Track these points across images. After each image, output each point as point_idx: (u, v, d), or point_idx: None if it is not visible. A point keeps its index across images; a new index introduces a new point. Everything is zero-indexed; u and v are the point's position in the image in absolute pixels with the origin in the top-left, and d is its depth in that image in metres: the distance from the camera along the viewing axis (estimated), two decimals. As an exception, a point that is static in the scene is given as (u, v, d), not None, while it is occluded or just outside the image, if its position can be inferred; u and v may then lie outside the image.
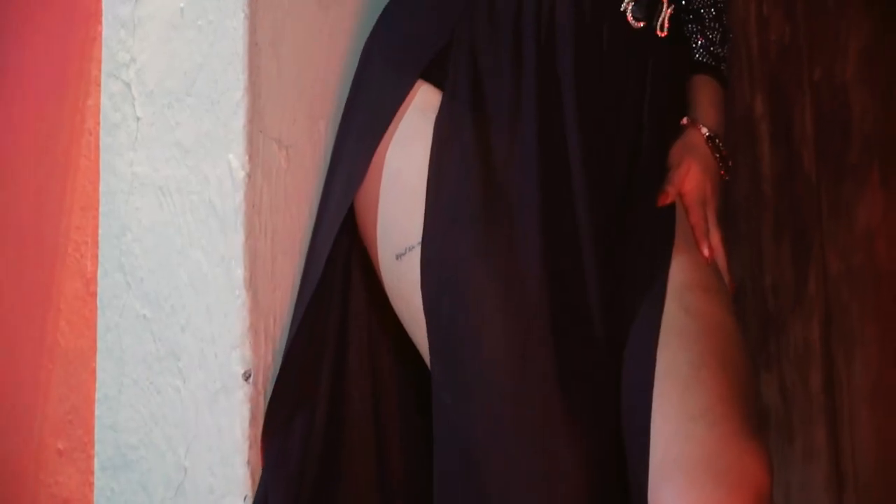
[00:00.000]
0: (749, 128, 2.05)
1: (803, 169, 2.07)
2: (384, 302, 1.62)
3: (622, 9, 1.63)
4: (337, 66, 1.81)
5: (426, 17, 1.63)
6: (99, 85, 1.98)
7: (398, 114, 1.58)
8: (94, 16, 2.00)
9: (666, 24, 1.67)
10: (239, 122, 1.69)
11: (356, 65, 1.76)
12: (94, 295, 1.89)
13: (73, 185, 2.03)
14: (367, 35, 1.78)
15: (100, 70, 1.98)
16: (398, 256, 1.55)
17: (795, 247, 2.07)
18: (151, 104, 1.84)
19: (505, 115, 1.55)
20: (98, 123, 1.97)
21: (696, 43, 1.83)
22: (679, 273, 1.57)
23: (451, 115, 1.54)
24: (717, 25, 1.84)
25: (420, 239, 1.52)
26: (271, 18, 1.72)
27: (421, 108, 1.57)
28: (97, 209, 1.97)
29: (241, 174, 1.68)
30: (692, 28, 1.84)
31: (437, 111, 1.55)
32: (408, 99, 1.58)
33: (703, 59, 1.81)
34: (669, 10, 1.67)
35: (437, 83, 1.58)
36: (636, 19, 1.64)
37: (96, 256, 1.95)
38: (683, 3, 1.80)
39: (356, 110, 1.65)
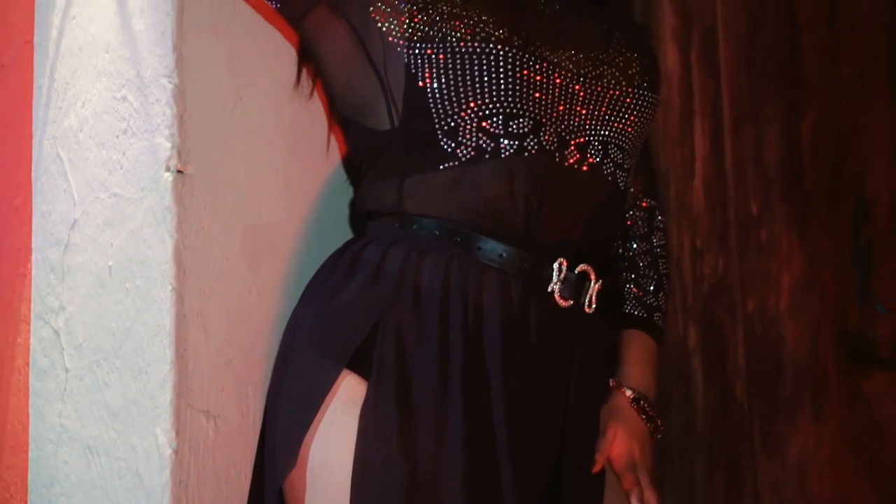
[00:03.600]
0: (683, 360, 2.06)
1: (736, 401, 2.08)
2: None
3: (550, 289, 1.64)
4: (266, 326, 1.81)
5: (352, 300, 1.62)
6: (29, 324, 1.97)
7: (323, 405, 1.57)
8: (24, 252, 2.00)
9: (594, 301, 1.68)
10: (166, 396, 1.68)
11: (285, 323, 1.75)
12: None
13: (3, 422, 2.01)
14: (297, 290, 1.77)
15: (29, 310, 1.97)
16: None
17: (728, 481, 2.07)
18: (80, 358, 1.83)
19: (431, 409, 1.55)
20: (27, 364, 1.96)
21: (630, 293, 1.83)
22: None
23: (375, 410, 1.54)
24: (651, 273, 1.85)
25: None
26: (199, 288, 1.72)
27: (345, 400, 1.57)
28: (27, 452, 1.95)
29: (167, 451, 1.67)
30: (627, 276, 1.85)
31: (361, 404, 1.55)
32: (333, 389, 1.58)
33: (634, 311, 1.82)
34: (597, 286, 1.68)
35: (363, 373, 1.57)
36: (564, 298, 1.64)
37: (26, 502, 1.94)
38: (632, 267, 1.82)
39: (283, 394, 1.64)
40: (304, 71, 1.82)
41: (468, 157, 1.59)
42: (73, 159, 1.89)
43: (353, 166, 1.85)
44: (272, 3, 1.65)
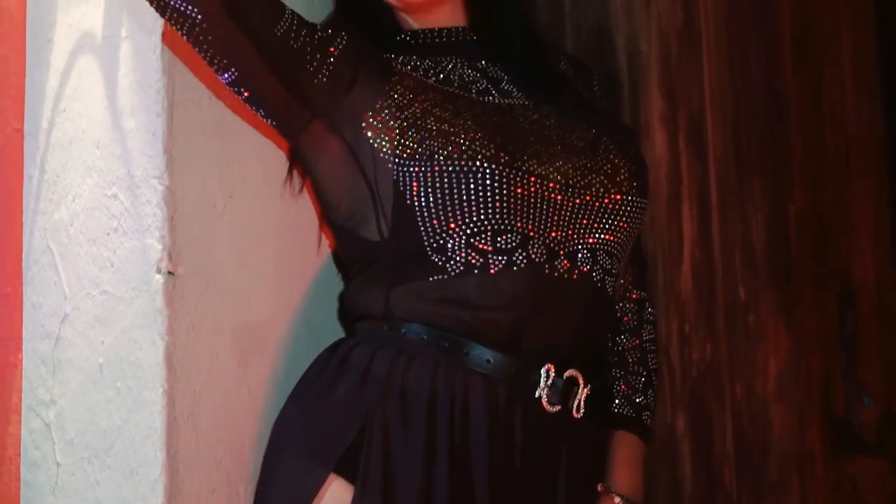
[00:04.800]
0: (671, 446, 2.07)
1: (724, 486, 2.09)
2: None
3: (537, 395, 1.65)
4: (257, 423, 1.81)
5: (340, 403, 1.64)
6: (19, 414, 1.97)
7: None
8: (14, 341, 2.00)
9: (582, 406, 1.69)
10: (157, 499, 1.69)
11: (274, 418, 1.76)
12: None
13: (-3, 515, 2.01)
14: (288, 385, 1.79)
15: (20, 400, 1.97)
16: None
17: (716, 567, 2.09)
18: (72, 453, 1.83)
19: None
20: (18, 454, 1.96)
21: (618, 391, 1.84)
22: None
23: None
24: (640, 369, 1.86)
25: None
26: (190, 389, 1.72)
27: None
28: (18, 542, 1.96)
29: (160, 556, 1.67)
30: (616, 373, 1.86)
31: None
32: (320, 494, 1.59)
33: (623, 410, 1.83)
34: (585, 391, 1.69)
35: (349, 477, 1.59)
36: (551, 404, 1.66)
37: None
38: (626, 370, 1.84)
39: (270, 496, 1.66)
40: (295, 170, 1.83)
41: (457, 271, 1.61)
42: (63, 253, 1.89)
43: (343, 263, 1.87)
44: (269, 121, 1.67)
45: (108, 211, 1.82)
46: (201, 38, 1.55)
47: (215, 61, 1.57)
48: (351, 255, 1.77)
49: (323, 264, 1.93)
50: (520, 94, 1.76)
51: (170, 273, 1.72)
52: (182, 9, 1.51)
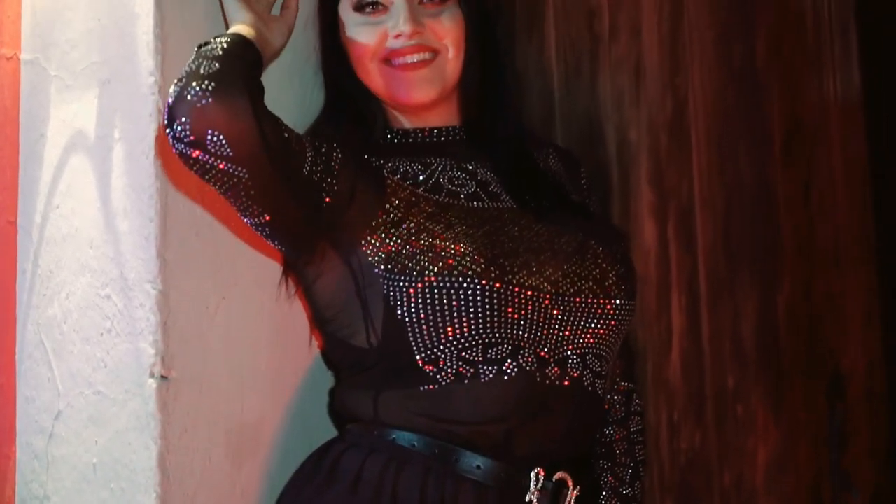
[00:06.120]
0: (661, 536, 2.08)
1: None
2: None
3: (528, 499, 1.66)
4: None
5: None
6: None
7: None
8: (8, 433, 2.01)
9: None
10: None
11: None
12: None
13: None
14: (280, 483, 1.80)
15: (13, 492, 1.98)
16: None
17: None
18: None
19: None
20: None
21: (606, 483, 1.86)
22: None
23: None
24: (628, 461, 1.88)
25: None
26: (183, 492, 1.75)
27: None
28: None
29: None
30: (603, 464, 1.87)
31: None
32: None
33: (610, 503, 1.85)
34: (575, 493, 1.70)
35: None
36: (541, 508, 1.67)
37: None
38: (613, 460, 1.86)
39: None
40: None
41: (448, 381, 1.62)
42: (57, 350, 1.91)
43: (333, 364, 1.89)
44: (276, 246, 1.67)
45: (101, 311, 1.83)
46: (243, 192, 1.54)
47: (250, 209, 1.57)
48: (340, 360, 1.78)
49: (315, 361, 1.94)
50: (508, 198, 1.78)
51: (163, 377, 1.73)
52: (230, 170, 1.50)
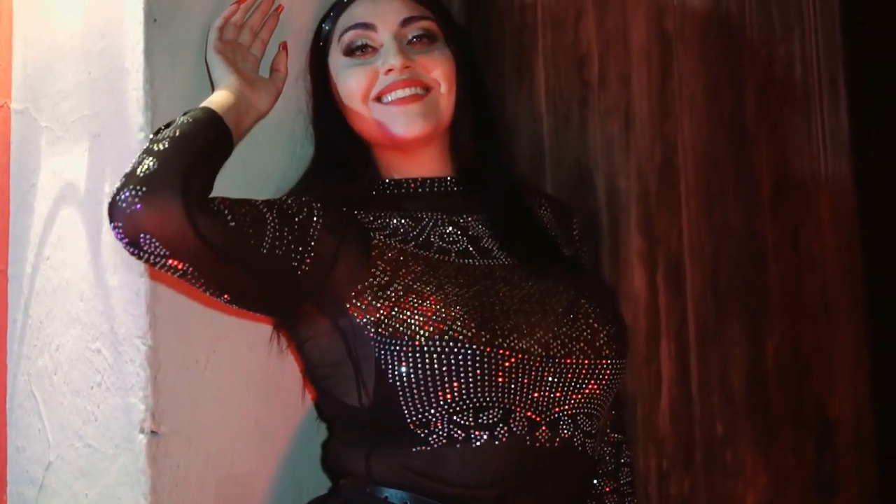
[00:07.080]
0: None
1: None
2: None
3: None
4: None
5: None
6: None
7: None
8: (-1, 485, 2.01)
9: None
10: None
11: None
12: None
13: None
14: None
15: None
16: None
17: None
18: None
19: None
20: None
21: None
22: None
23: None
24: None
25: None
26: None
27: None
28: None
29: None
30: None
31: None
32: None
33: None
34: None
35: None
36: None
37: None
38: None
39: None
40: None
41: (439, 444, 1.62)
42: (47, 401, 1.91)
43: (326, 417, 1.89)
44: (267, 314, 1.72)
45: (91, 365, 1.83)
46: (194, 281, 1.57)
47: (208, 292, 1.59)
48: (334, 415, 1.79)
49: (307, 413, 1.94)
50: (500, 253, 1.78)
51: (153, 433, 1.73)
52: (175, 265, 1.52)
